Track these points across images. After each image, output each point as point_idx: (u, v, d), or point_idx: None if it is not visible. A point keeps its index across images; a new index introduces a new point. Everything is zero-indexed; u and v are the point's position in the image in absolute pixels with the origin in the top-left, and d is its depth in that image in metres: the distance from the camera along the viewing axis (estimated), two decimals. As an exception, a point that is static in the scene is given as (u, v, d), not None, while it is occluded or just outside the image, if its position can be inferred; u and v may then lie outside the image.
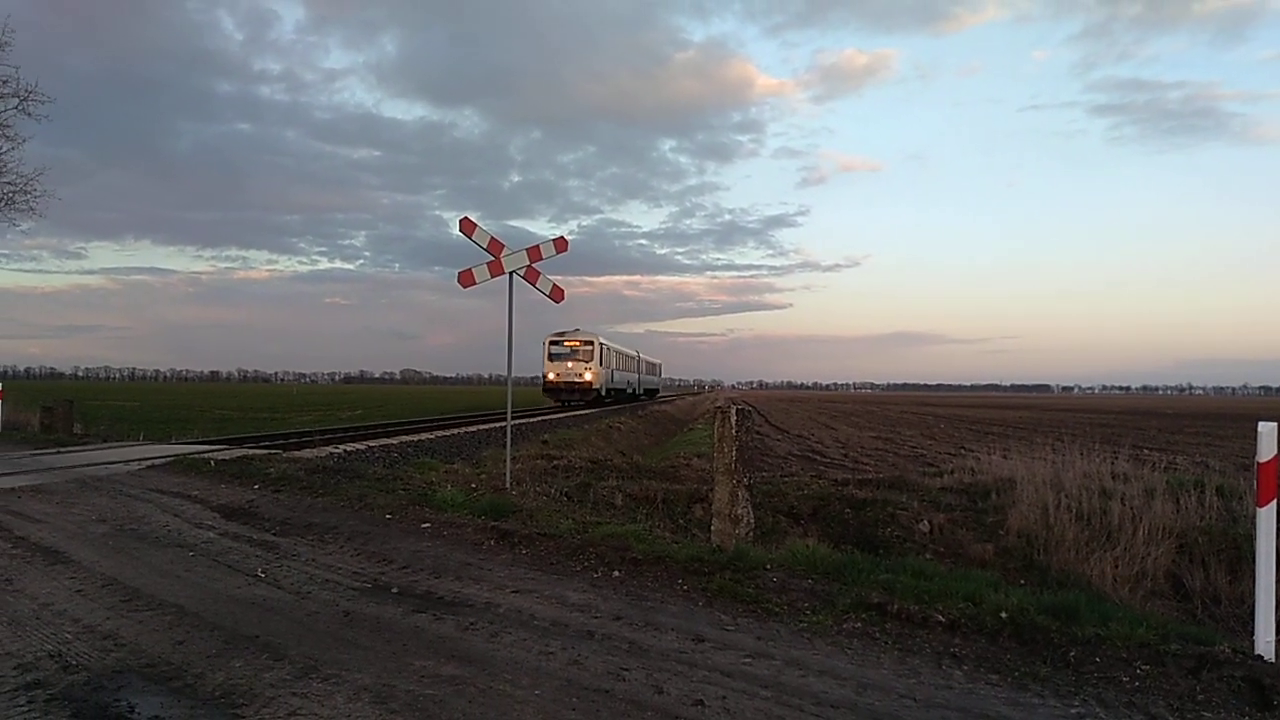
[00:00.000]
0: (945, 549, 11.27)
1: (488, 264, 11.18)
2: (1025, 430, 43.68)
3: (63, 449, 14.81)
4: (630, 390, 62.54)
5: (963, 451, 28.06)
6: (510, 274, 11.21)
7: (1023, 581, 8.73)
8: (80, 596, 5.57)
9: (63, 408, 18.57)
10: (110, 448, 15.11)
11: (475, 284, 11.31)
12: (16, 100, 31.65)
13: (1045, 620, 5.36)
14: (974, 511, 12.92)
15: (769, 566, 6.71)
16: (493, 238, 11.25)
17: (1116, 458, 14.72)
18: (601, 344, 48.97)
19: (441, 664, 4.53)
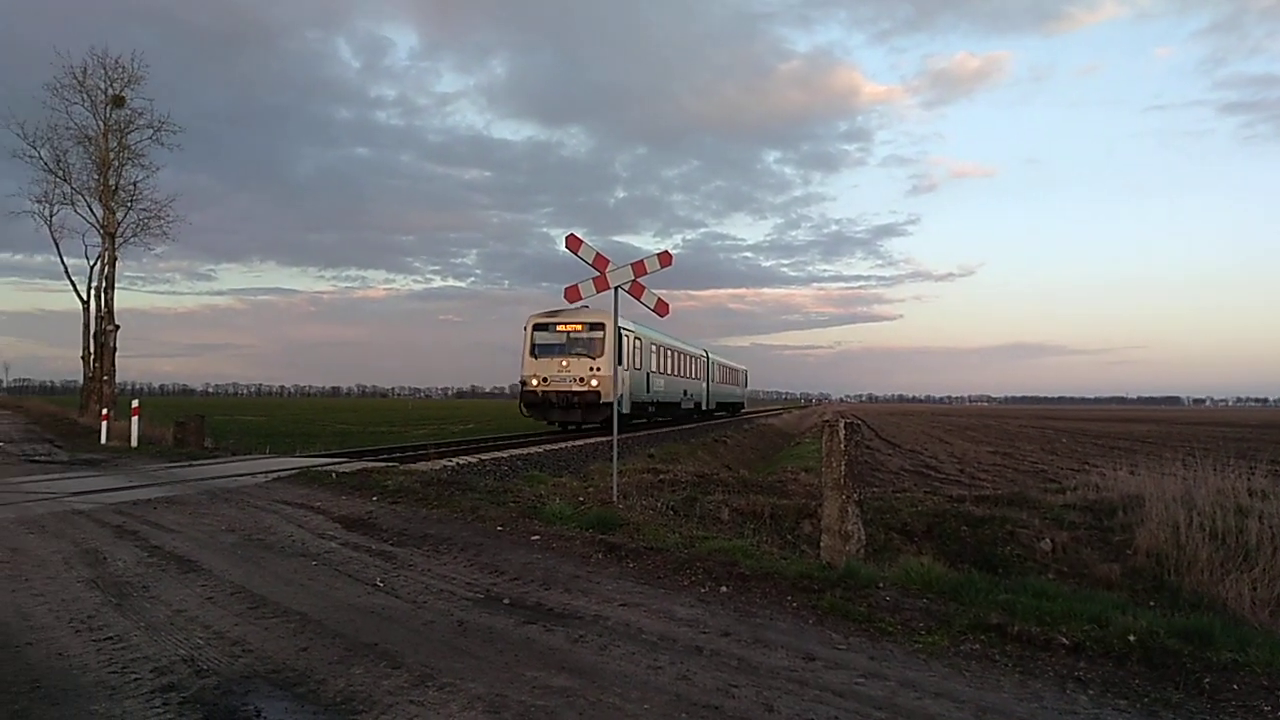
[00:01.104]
0: (1068, 569, 10.84)
1: (593, 279, 11.31)
2: (1153, 445, 41.63)
3: (194, 462, 15.59)
4: (690, 404, 41.84)
5: (1086, 467, 26.95)
6: (615, 289, 11.31)
7: (1152, 603, 8.30)
8: (211, 604, 5.84)
9: (194, 423, 19.56)
10: (238, 460, 15.84)
11: (581, 299, 11.47)
12: (151, 131, 33.70)
13: (1177, 644, 5.09)
14: (1099, 530, 12.39)
15: (881, 585, 6.57)
16: (598, 253, 11.38)
17: (1253, 473, 13.90)
18: (624, 330, 28.26)
19: (552, 675, 4.58)
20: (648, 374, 32.99)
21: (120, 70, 32.48)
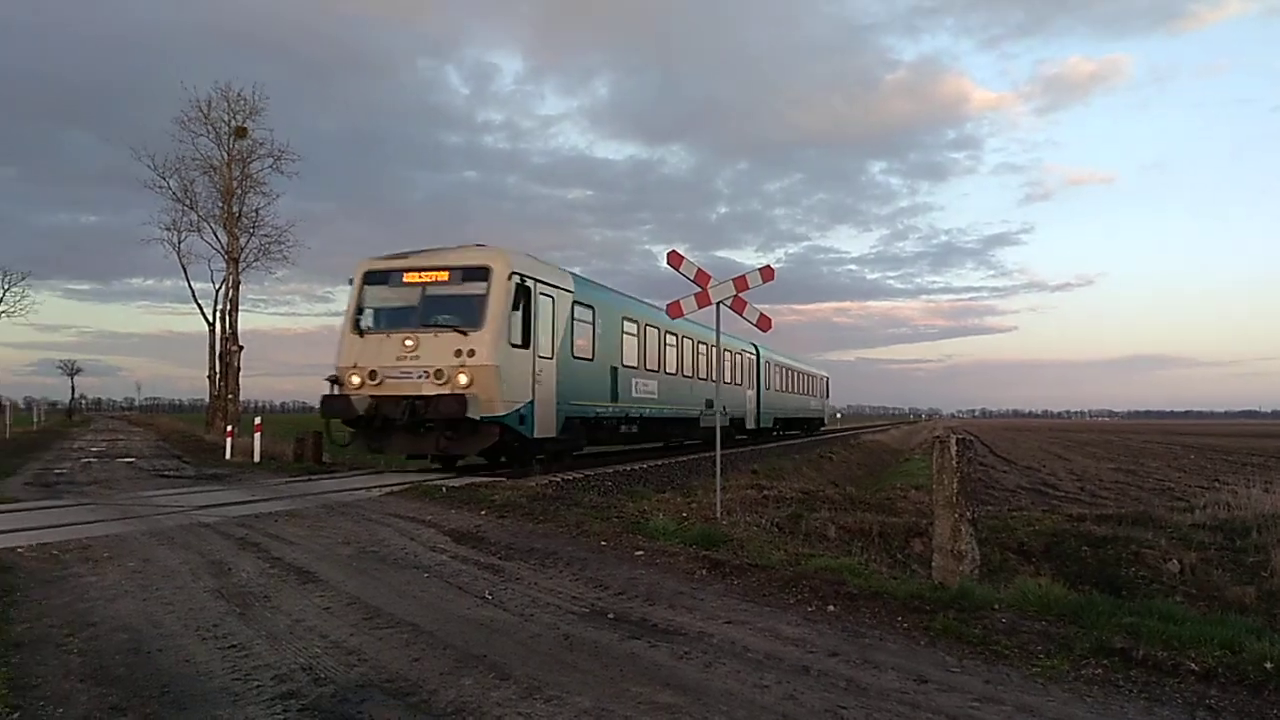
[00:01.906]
0: (1197, 591, 10.28)
1: (695, 295, 11.32)
2: (1292, 462, 39.15)
3: (312, 476, 16.16)
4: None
5: (1216, 484, 25.55)
6: (717, 304, 11.28)
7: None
8: (328, 614, 6.03)
9: (313, 439, 20.24)
10: (354, 475, 16.35)
11: (683, 315, 11.48)
12: (271, 160, 35.41)
13: (1323, 675, 4.75)
14: (1231, 550, 11.73)
15: (997, 606, 6.34)
16: (700, 269, 11.39)
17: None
18: (548, 288, 16.32)
19: (657, 691, 4.56)
20: (612, 369, 19.30)
21: (242, 103, 34.25)
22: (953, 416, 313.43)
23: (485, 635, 5.59)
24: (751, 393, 33.05)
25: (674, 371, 23.99)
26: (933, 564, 7.47)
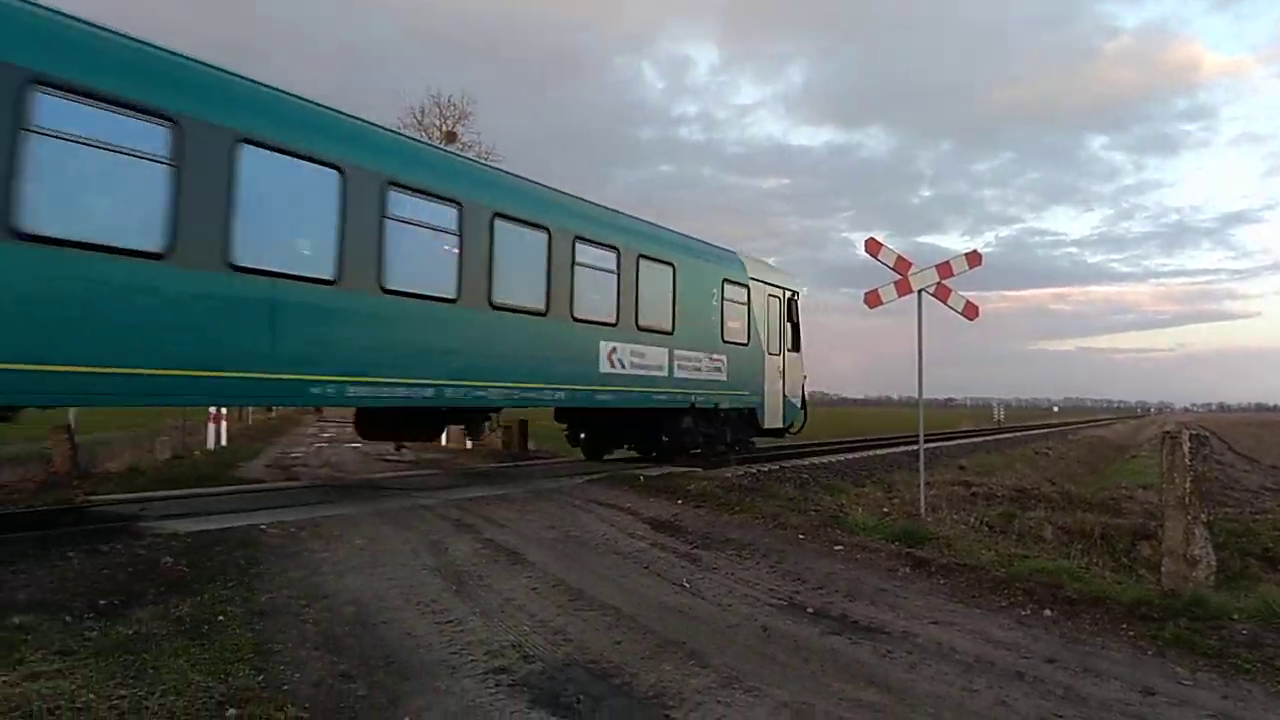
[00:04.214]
0: None
1: (895, 283, 10.98)
2: None
3: (519, 463, 16.88)
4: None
5: None
6: (919, 292, 10.89)
7: None
8: (535, 594, 6.28)
9: (519, 427, 21.15)
10: (557, 462, 16.96)
11: (882, 304, 11.15)
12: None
13: None
14: None
15: (1236, 617, 5.80)
16: (899, 256, 11.04)
17: None
18: None
19: (860, 689, 4.47)
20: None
21: (452, 108, 35.96)
22: (1186, 410, 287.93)
23: (683, 622, 5.65)
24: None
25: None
26: (1162, 569, 6.91)
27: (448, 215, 10.11)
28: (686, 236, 15.89)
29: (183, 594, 5.56)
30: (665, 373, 14.23)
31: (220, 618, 5.14)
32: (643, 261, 13.70)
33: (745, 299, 16.78)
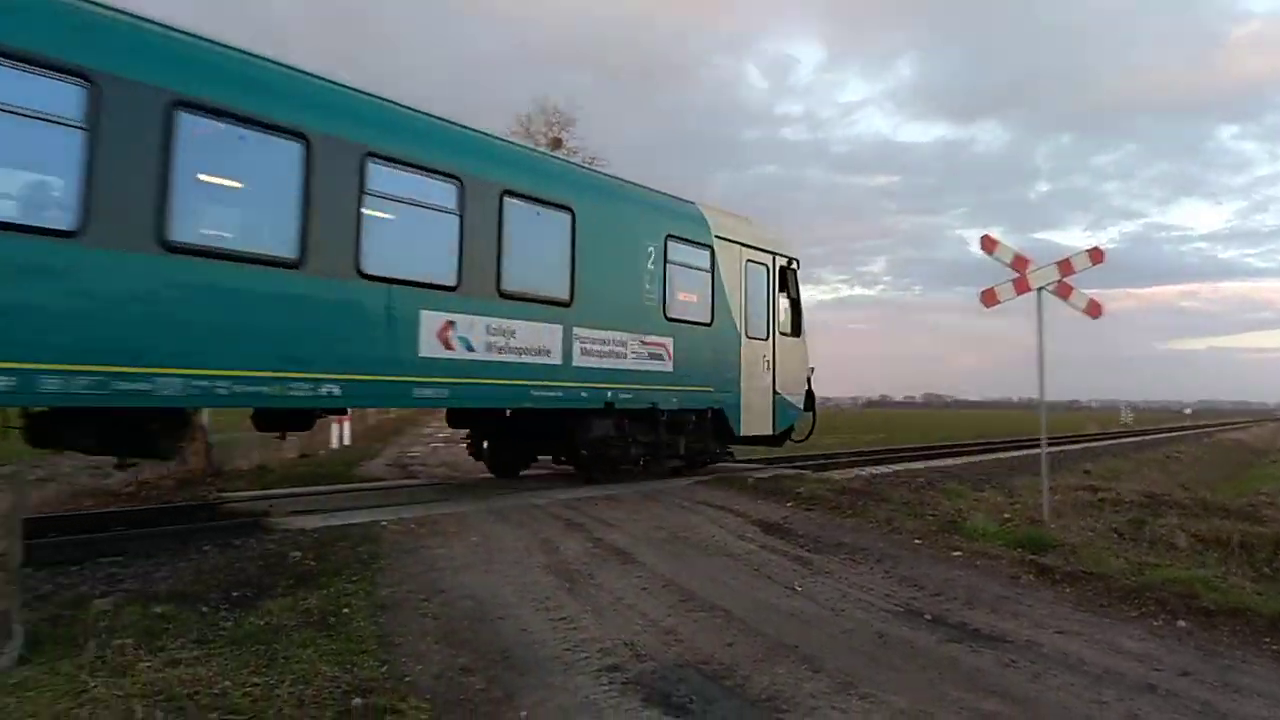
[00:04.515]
0: None
1: (1012, 281, 10.61)
2: None
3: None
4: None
5: None
6: (1038, 290, 10.51)
7: None
8: (645, 594, 6.30)
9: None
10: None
11: (999, 303, 10.79)
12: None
13: None
14: None
15: (1398, 634, 5.41)
16: (1017, 254, 10.67)
17: None
18: None
19: (981, 698, 4.34)
20: None
21: (558, 115, 36.59)
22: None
23: (796, 626, 5.59)
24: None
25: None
26: (1310, 582, 6.50)
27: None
28: (599, 172, 12.64)
29: (310, 587, 5.80)
30: (556, 359, 10.36)
31: (345, 610, 5.33)
32: (511, 201, 9.81)
33: (707, 264, 12.83)
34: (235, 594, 5.64)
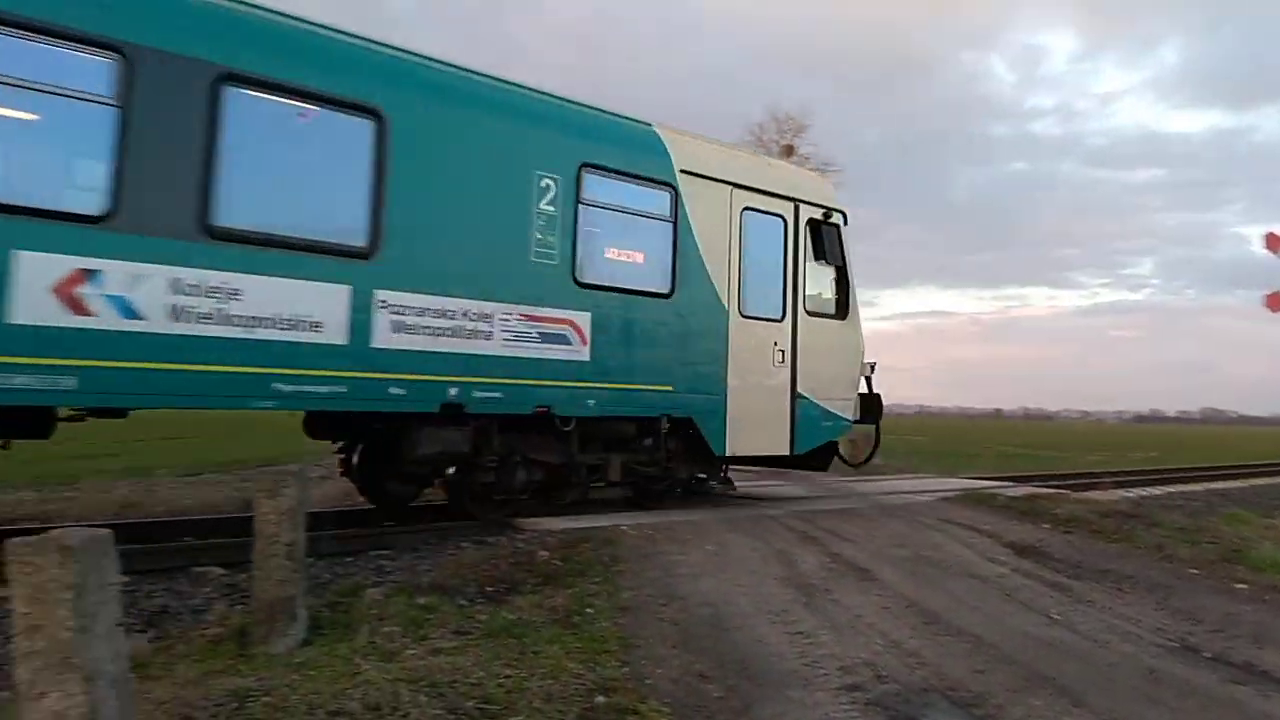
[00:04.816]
0: None
1: (1312, 282, 9.45)
2: None
3: (865, 478, 16.55)
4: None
5: None
6: (1347, 292, 9.28)
7: None
8: (886, 613, 6.10)
9: (863, 440, 20.87)
10: (905, 478, 16.44)
11: (1295, 307, 9.65)
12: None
13: None
14: None
15: None
16: (1320, 251, 9.48)
17: None
18: None
19: (1274, 751, 3.87)
20: None
21: (790, 122, 36.39)
22: None
23: (1053, 656, 5.23)
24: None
25: None
26: None
27: None
28: (446, 64, 8.06)
29: (556, 586, 6.06)
30: (337, 336, 6.93)
31: (589, 610, 5.53)
32: (240, 93, 6.54)
33: (666, 210, 9.26)
34: (489, 589, 5.99)
